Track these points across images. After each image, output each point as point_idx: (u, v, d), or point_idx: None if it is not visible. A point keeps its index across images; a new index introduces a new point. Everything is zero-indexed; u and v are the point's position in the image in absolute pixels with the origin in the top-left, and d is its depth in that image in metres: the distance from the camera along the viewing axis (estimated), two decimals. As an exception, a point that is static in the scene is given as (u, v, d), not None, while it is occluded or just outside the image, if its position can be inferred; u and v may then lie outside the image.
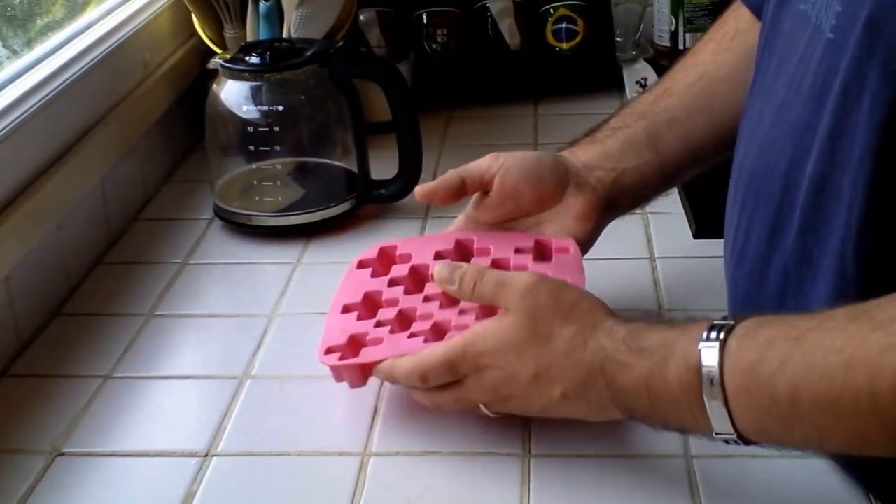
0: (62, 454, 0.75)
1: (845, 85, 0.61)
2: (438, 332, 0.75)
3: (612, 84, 1.38)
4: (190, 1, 1.20)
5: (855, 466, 0.67)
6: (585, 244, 0.85)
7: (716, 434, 0.61)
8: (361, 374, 0.75)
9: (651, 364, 0.63)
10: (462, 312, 0.76)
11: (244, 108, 1.05)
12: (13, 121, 0.89)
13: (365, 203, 1.08)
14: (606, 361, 0.65)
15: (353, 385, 0.75)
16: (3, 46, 0.99)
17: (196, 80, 1.26)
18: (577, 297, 0.70)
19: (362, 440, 0.75)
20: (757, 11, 0.85)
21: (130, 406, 0.80)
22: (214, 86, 1.06)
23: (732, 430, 0.60)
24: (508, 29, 1.39)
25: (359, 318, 0.78)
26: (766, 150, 0.71)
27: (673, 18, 1.40)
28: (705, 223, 1.02)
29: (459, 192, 0.85)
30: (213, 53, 1.21)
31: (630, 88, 1.33)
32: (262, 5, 1.17)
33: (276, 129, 1.04)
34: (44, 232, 0.91)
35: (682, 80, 0.89)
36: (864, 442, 0.56)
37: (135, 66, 1.15)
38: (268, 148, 1.06)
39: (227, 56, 1.09)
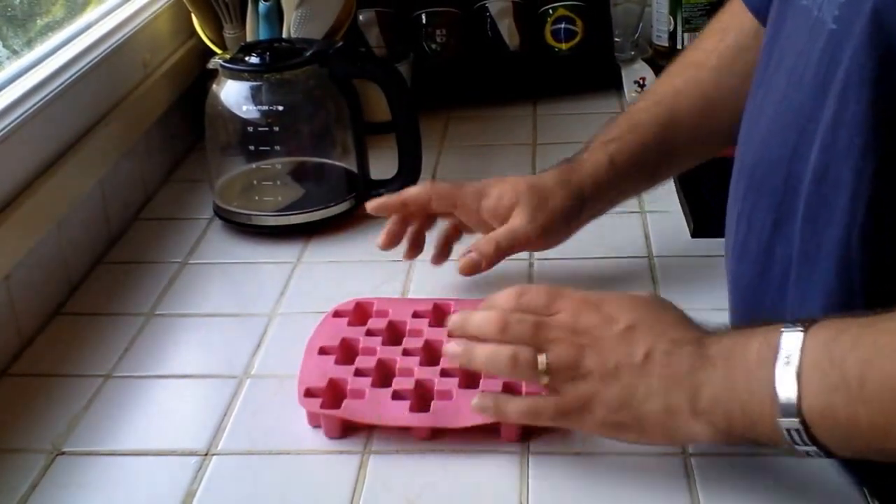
0: (63, 453, 0.75)
1: (847, 74, 0.61)
2: (422, 392, 0.75)
3: (610, 84, 1.38)
4: (190, 1, 1.20)
5: (853, 466, 0.67)
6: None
7: (779, 417, 0.59)
8: (341, 427, 0.75)
9: (735, 341, 0.64)
10: (445, 374, 0.77)
11: (244, 107, 1.05)
12: (13, 120, 0.89)
13: (364, 203, 1.08)
14: (706, 338, 0.66)
15: (329, 435, 0.75)
16: (4, 46, 0.99)
17: (196, 81, 1.26)
18: None
19: (361, 439, 0.75)
20: (756, 12, 0.85)
21: (131, 405, 0.80)
22: (214, 86, 1.07)
23: (797, 412, 0.59)
24: (507, 29, 1.39)
25: (336, 363, 0.79)
26: (767, 142, 0.71)
27: (671, 18, 1.40)
28: (703, 222, 1.02)
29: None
30: (213, 53, 1.21)
31: (628, 88, 1.34)
32: (262, 5, 1.17)
33: (276, 128, 1.05)
34: (44, 231, 0.91)
35: (684, 103, 0.92)
36: None
37: (135, 66, 1.15)
38: (267, 148, 1.06)
39: (227, 56, 1.09)
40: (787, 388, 0.59)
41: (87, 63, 1.03)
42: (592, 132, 1.28)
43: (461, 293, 0.89)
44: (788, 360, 0.59)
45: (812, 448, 0.60)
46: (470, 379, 0.77)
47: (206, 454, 0.74)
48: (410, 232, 0.95)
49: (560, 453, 0.72)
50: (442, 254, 0.95)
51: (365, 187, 1.08)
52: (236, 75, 1.05)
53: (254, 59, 1.04)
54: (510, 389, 0.74)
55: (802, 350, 0.59)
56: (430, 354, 0.80)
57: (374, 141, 1.10)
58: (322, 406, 0.75)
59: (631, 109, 0.95)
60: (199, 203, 1.13)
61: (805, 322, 0.60)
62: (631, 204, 1.08)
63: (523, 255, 0.99)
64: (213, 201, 1.08)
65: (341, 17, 1.22)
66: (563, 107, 1.35)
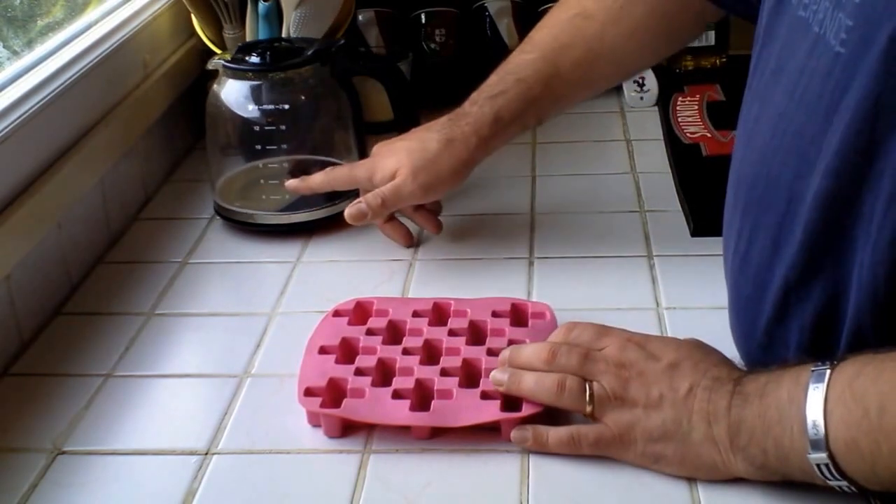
0: (63, 452, 0.75)
1: (865, 101, 0.60)
2: (422, 392, 0.76)
3: (609, 83, 1.38)
4: (189, 2, 1.20)
5: None
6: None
7: (809, 453, 0.61)
8: (341, 427, 0.75)
9: (769, 378, 0.65)
10: (445, 373, 0.77)
11: (245, 107, 1.05)
12: (14, 121, 0.90)
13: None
14: (744, 377, 0.68)
15: (329, 435, 0.75)
16: (4, 47, 0.99)
17: (195, 81, 1.26)
18: None
19: (361, 438, 0.75)
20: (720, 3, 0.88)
21: (131, 404, 0.80)
22: (215, 85, 1.07)
23: (825, 446, 0.60)
24: (506, 29, 1.39)
25: (337, 362, 0.79)
26: (767, 159, 0.71)
27: (670, 18, 1.40)
28: (703, 221, 1.02)
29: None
30: (213, 54, 1.21)
31: (628, 88, 1.34)
32: (262, 6, 1.17)
33: (277, 128, 1.05)
34: (44, 231, 0.92)
35: (569, 57, 0.97)
36: None
37: (134, 66, 1.15)
38: (268, 147, 1.06)
39: (228, 56, 1.09)
40: (814, 423, 0.61)
41: (87, 63, 1.03)
42: (590, 130, 1.29)
43: (461, 293, 0.89)
44: (816, 397, 0.61)
45: (843, 482, 0.61)
46: (470, 379, 0.77)
47: (206, 453, 0.74)
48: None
49: (560, 453, 0.72)
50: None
51: (365, 187, 1.08)
52: (239, 75, 1.05)
53: (254, 59, 1.04)
54: (510, 398, 0.74)
55: (828, 386, 0.61)
56: (430, 354, 0.80)
57: (375, 140, 1.10)
58: (322, 405, 0.75)
59: (515, 60, 0.99)
60: (199, 203, 1.13)
61: (833, 360, 0.62)
62: (631, 203, 1.08)
63: (523, 252, 0.99)
64: (214, 200, 1.08)
65: (340, 17, 1.22)
66: (563, 106, 1.35)
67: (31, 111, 0.92)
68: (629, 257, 0.98)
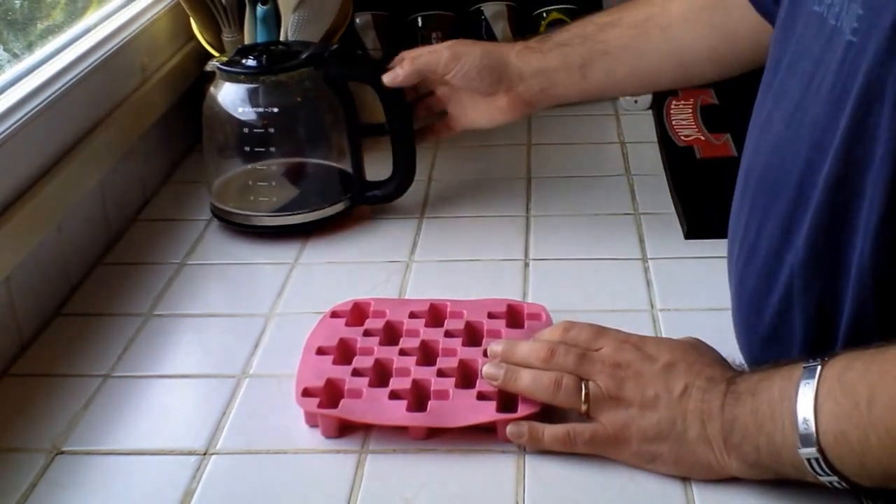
0: (62, 452, 0.75)
1: (867, 85, 0.61)
2: (419, 392, 0.76)
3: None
4: (188, 5, 1.21)
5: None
6: (490, 127, 1.06)
7: (800, 447, 0.62)
8: (338, 427, 0.76)
9: (762, 377, 0.66)
10: (441, 374, 0.78)
11: (240, 109, 1.06)
12: (14, 123, 0.90)
13: (359, 204, 1.09)
14: (737, 377, 0.69)
15: (326, 435, 0.76)
16: (4, 50, 1.00)
17: (194, 84, 1.26)
18: None
19: (359, 438, 0.75)
20: (764, 13, 0.87)
21: (130, 405, 0.81)
22: (212, 88, 1.07)
23: (815, 441, 0.61)
24: (502, 32, 1.39)
25: (334, 363, 0.80)
26: (780, 149, 0.71)
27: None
28: (696, 224, 1.03)
29: (417, 85, 1.05)
30: (211, 57, 1.22)
31: (623, 91, 1.35)
32: (259, 9, 1.17)
33: (272, 130, 1.05)
34: (44, 233, 0.92)
35: (629, 16, 1.00)
36: None
37: (133, 69, 1.15)
38: (263, 149, 1.06)
39: (224, 59, 1.10)
40: (805, 418, 0.61)
41: (87, 66, 1.04)
42: (585, 133, 1.30)
43: (457, 294, 0.90)
44: (806, 392, 0.62)
45: (834, 478, 0.62)
46: (466, 380, 0.77)
47: (204, 453, 0.75)
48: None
49: (556, 453, 0.73)
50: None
51: (360, 188, 1.09)
52: (233, 77, 1.05)
53: (251, 62, 1.05)
54: (506, 399, 0.75)
55: (819, 382, 0.61)
56: (427, 355, 0.80)
57: (370, 142, 1.11)
58: (319, 406, 0.75)
59: (605, 30, 1.02)
60: (197, 204, 1.13)
61: (824, 356, 0.63)
62: (625, 206, 1.09)
63: (519, 254, 1.00)
64: (211, 202, 1.09)
65: (338, 20, 1.23)
66: (558, 108, 1.34)
67: (31, 114, 0.92)
68: (624, 259, 0.99)
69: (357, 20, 1.36)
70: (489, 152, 1.24)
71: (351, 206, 1.08)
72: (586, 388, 0.71)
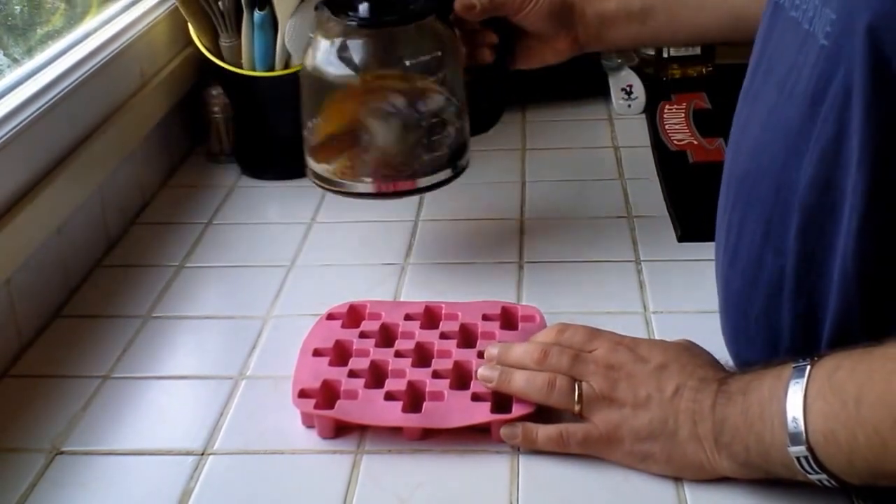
0: (62, 453, 0.76)
1: (840, 89, 0.62)
2: (414, 393, 0.77)
3: (597, 91, 1.38)
4: (186, 11, 1.21)
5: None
6: (545, 65, 1.04)
7: (789, 446, 0.62)
8: (334, 428, 0.76)
9: (752, 377, 0.67)
10: (436, 375, 0.78)
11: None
12: (14, 128, 0.90)
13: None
14: (729, 377, 0.69)
15: (323, 436, 0.76)
16: (4, 55, 1.00)
17: (192, 88, 1.27)
18: None
19: (354, 439, 0.76)
20: None
21: (129, 406, 0.81)
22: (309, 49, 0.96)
23: (804, 440, 0.61)
24: (498, 36, 1.39)
25: (330, 364, 0.80)
26: (757, 153, 0.72)
27: (659, 27, 1.41)
28: (690, 227, 1.03)
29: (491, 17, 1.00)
30: (209, 62, 1.22)
31: (615, 96, 1.35)
32: (257, 15, 1.18)
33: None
34: (44, 236, 0.92)
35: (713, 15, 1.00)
36: None
37: (132, 74, 1.16)
38: None
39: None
40: (794, 417, 0.62)
41: (86, 71, 1.04)
42: (579, 137, 1.30)
43: (452, 297, 0.90)
44: (796, 392, 0.62)
45: (823, 476, 0.62)
46: (461, 381, 0.78)
47: (202, 454, 0.75)
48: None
49: (550, 453, 0.73)
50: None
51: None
52: (353, 32, 0.93)
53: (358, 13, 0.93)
54: (500, 400, 0.75)
55: (808, 381, 0.62)
56: (422, 356, 0.81)
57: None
58: (316, 407, 0.76)
59: None
60: (196, 208, 1.14)
61: (813, 356, 0.64)
62: (619, 209, 1.10)
63: (513, 257, 1.01)
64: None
65: (335, 25, 1.23)
66: (552, 113, 1.36)
67: (30, 118, 0.93)
68: (617, 262, 0.99)
69: (354, 25, 1.36)
70: (483, 156, 1.24)
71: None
72: (579, 388, 0.72)
